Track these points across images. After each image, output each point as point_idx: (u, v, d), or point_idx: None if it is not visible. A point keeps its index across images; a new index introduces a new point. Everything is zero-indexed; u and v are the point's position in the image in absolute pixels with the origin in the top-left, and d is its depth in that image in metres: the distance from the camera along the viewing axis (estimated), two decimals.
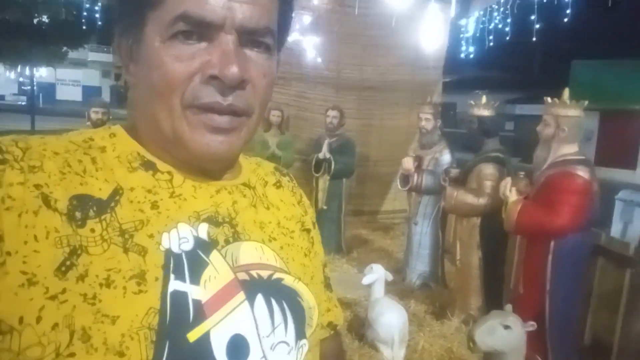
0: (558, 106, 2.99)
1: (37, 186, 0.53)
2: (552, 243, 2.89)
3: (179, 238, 0.57)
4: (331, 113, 4.89)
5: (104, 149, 0.60)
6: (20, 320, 0.49)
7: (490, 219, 3.50)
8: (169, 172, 0.61)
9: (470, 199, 3.62)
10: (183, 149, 0.59)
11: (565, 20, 5.43)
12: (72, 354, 0.49)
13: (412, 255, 4.42)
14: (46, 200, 0.52)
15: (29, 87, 23.18)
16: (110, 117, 4.59)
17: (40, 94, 28.87)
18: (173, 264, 0.55)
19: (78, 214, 0.53)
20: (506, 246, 3.42)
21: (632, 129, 14.00)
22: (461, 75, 19.17)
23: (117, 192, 0.57)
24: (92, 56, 32.32)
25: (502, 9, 6.33)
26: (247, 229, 0.64)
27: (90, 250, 0.52)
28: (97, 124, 4.42)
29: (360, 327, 3.38)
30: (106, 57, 31.52)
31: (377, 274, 3.23)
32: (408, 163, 4.28)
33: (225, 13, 0.56)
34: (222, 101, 0.57)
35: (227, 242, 0.61)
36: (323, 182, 4.87)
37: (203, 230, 0.59)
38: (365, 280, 3.22)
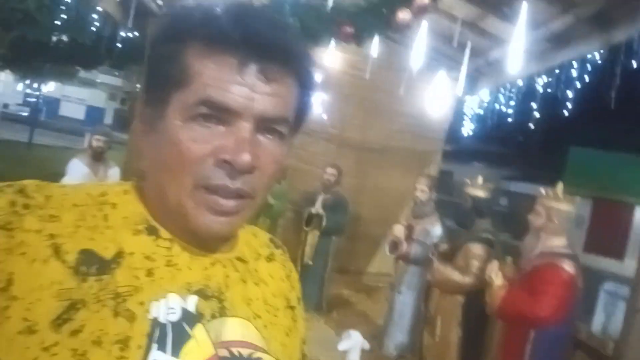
0: (551, 198, 3.05)
1: (51, 236, 0.55)
2: (532, 332, 2.89)
3: (167, 308, 0.59)
4: (330, 170, 4.96)
5: (115, 205, 0.62)
6: None
7: (473, 298, 3.50)
8: (170, 240, 0.63)
9: (456, 276, 3.63)
10: (185, 223, 0.62)
11: (565, 112, 5.61)
12: None
13: (392, 324, 4.38)
14: (57, 251, 0.55)
15: (34, 100, 23.38)
16: (111, 147, 4.63)
17: (44, 108, 28.98)
18: (158, 333, 0.56)
19: (83, 269, 0.55)
20: (487, 327, 3.40)
21: (623, 220, 14.19)
22: (460, 146, 19.57)
23: (120, 255, 0.59)
24: (102, 78, 32.56)
25: (507, 93, 6.55)
26: (235, 304, 0.66)
27: (89, 307, 0.54)
28: (96, 151, 4.46)
29: None
30: (115, 81, 31.75)
31: (354, 341, 3.18)
32: (399, 231, 4.31)
33: (246, 102, 0.59)
34: (231, 184, 0.60)
35: (213, 316, 0.62)
36: (312, 237, 4.88)
37: (192, 303, 0.61)
38: (342, 346, 3.17)
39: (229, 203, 0.61)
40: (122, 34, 7.56)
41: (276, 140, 0.63)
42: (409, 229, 4.37)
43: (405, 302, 4.33)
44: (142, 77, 0.73)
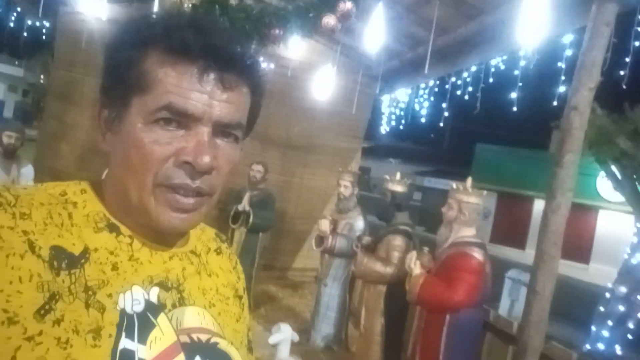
0: (461, 192, 3.33)
1: (25, 232, 0.58)
2: (447, 316, 3.14)
3: (132, 300, 0.63)
4: (255, 167, 4.97)
5: (75, 204, 0.66)
6: None
7: (394, 288, 3.72)
8: (130, 236, 0.67)
9: (378, 267, 3.84)
10: (147, 219, 0.66)
11: (474, 112, 6.04)
12: None
13: (318, 317, 4.52)
14: (32, 247, 0.57)
15: None
16: (23, 143, 4.37)
17: None
18: (126, 323, 0.61)
19: (55, 264, 0.59)
20: (407, 315, 3.63)
21: (524, 212, 15.48)
22: (377, 143, 20.26)
23: (86, 251, 0.62)
24: (1, 67, 30.04)
25: (421, 93, 6.94)
26: (192, 294, 0.71)
27: (64, 299, 0.57)
28: (7, 149, 4.19)
29: None
30: (16, 71, 29.33)
31: (284, 334, 3.27)
32: (325, 225, 4.45)
33: (205, 109, 0.63)
34: (191, 184, 0.64)
35: (173, 306, 0.67)
36: (239, 234, 4.89)
37: (154, 294, 0.66)
38: (272, 339, 3.25)
39: (189, 201, 0.65)
40: (29, 22, 7.08)
41: (231, 142, 0.68)
42: (334, 224, 4.53)
43: (331, 294, 4.49)
44: (102, 78, 0.72)
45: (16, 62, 29.04)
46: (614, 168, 6.28)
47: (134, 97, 0.64)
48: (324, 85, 5.59)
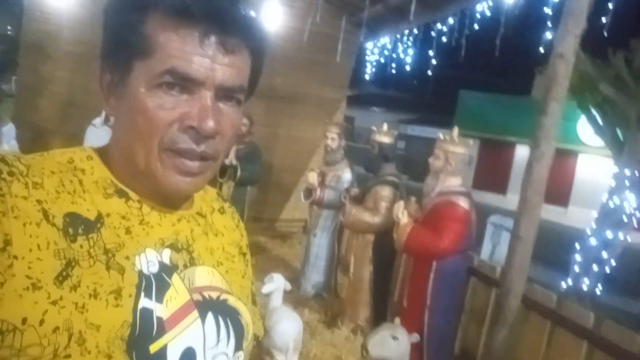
0: (448, 143, 3.37)
1: (38, 201, 0.59)
2: (434, 263, 3.25)
3: (147, 261, 0.65)
4: None
5: (84, 171, 0.66)
6: (24, 321, 0.54)
7: (382, 237, 3.82)
8: (138, 201, 0.69)
9: (366, 217, 3.92)
10: (154, 183, 0.67)
11: (460, 57, 6.01)
12: (69, 356, 0.56)
13: (308, 266, 4.64)
14: (46, 215, 0.59)
15: None
16: (2, 101, 4.26)
17: None
18: (144, 283, 0.63)
19: (70, 230, 0.60)
20: (394, 263, 3.75)
21: (506, 158, 15.71)
22: (361, 92, 20.09)
23: (100, 216, 0.64)
24: None
25: (405, 40, 6.85)
26: (201, 255, 0.74)
27: (81, 264, 0.59)
28: None
29: None
30: None
31: (276, 284, 3.37)
32: (313, 178, 4.49)
33: (207, 73, 0.63)
34: (196, 148, 0.65)
35: (185, 266, 0.70)
36: (227, 188, 4.89)
37: (166, 256, 0.68)
38: (265, 289, 3.34)
39: (194, 164, 0.66)
40: None
41: (234, 106, 0.69)
42: (322, 176, 4.57)
43: (320, 244, 4.59)
44: (103, 44, 0.71)
45: None
46: (595, 113, 6.38)
47: (135, 61, 0.64)
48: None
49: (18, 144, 4.53)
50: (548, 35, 4.40)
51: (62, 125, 5.79)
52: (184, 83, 0.64)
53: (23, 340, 0.54)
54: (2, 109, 4.40)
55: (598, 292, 6.04)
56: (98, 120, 4.44)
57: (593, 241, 6.04)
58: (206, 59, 0.64)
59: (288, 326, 3.22)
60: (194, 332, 0.67)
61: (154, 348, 0.62)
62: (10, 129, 4.22)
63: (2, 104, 4.27)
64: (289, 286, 3.49)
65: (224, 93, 0.67)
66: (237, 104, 0.69)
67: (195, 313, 0.68)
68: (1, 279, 0.54)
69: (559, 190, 13.27)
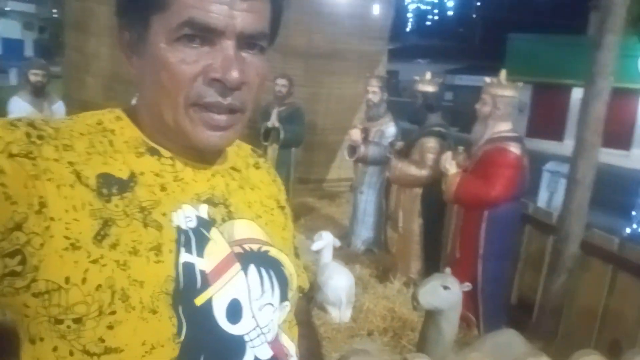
0: (495, 86, 3.21)
1: (70, 163, 0.60)
2: (486, 212, 3.17)
3: (185, 217, 0.65)
4: (280, 81, 4.87)
5: (113, 132, 0.66)
6: (67, 280, 0.56)
7: (431, 189, 3.75)
8: (171, 158, 0.68)
9: (413, 170, 3.84)
10: (184, 139, 0.66)
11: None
12: (114, 312, 0.57)
13: (357, 223, 4.63)
14: (79, 177, 0.59)
15: None
16: (50, 80, 4.41)
17: None
18: (183, 239, 0.64)
19: (105, 191, 0.61)
20: (444, 215, 3.68)
21: (561, 102, 14.93)
22: (403, 44, 19.47)
23: (133, 175, 0.64)
24: (11, 5, 29.29)
25: None
26: (239, 208, 0.73)
27: (118, 223, 0.60)
28: (36, 87, 4.26)
29: (309, 290, 3.55)
30: (27, 7, 28.64)
31: (325, 241, 3.40)
32: (356, 134, 4.43)
33: (227, 21, 0.62)
34: (223, 101, 0.64)
35: (223, 220, 0.70)
36: (272, 150, 4.92)
37: (203, 211, 0.68)
38: (315, 246, 3.38)
39: (223, 118, 0.65)
40: None
41: (257, 54, 0.66)
42: (365, 132, 4.49)
43: (367, 200, 4.56)
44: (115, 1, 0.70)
45: None
46: None
47: (152, 15, 0.63)
48: None
49: None
50: None
51: (109, 100, 5.92)
52: (204, 34, 0.62)
53: (69, 299, 0.56)
54: (52, 89, 4.56)
55: None
56: None
57: None
58: (224, 5, 0.61)
59: (340, 281, 3.26)
60: (238, 284, 0.67)
61: (199, 301, 0.63)
62: (59, 106, 4.38)
63: (50, 83, 4.42)
64: (338, 243, 3.51)
65: (246, 41, 0.64)
66: (260, 51, 0.67)
67: (237, 265, 0.68)
68: (40, 240, 0.55)
69: (620, 133, 12.55)
